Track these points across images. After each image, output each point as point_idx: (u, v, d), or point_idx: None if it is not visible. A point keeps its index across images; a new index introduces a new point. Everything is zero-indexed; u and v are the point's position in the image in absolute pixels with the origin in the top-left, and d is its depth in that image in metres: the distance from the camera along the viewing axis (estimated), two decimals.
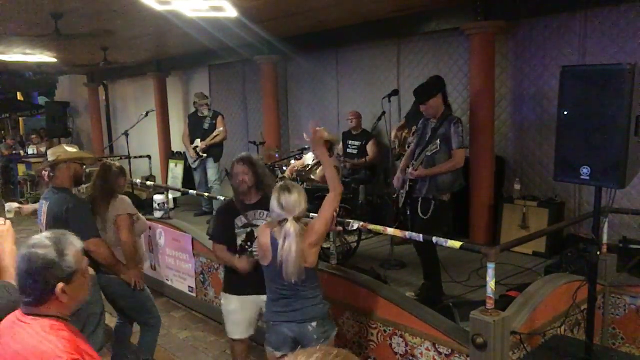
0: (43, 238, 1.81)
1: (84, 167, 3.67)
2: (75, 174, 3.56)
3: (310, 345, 2.68)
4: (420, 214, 4.29)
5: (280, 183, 2.90)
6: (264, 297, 3.09)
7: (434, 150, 4.26)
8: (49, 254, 1.77)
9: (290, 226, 2.74)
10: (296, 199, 2.77)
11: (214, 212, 6.87)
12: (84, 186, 3.92)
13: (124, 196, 3.81)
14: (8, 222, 2.40)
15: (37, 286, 1.75)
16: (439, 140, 4.23)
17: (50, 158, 3.51)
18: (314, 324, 2.87)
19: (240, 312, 3.43)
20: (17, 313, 1.82)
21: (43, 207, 3.52)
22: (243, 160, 3.36)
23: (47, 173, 3.51)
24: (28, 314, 1.78)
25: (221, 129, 7.33)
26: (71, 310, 1.87)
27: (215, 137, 7.27)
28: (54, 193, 3.50)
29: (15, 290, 1.90)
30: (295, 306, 2.88)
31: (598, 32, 5.37)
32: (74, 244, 1.85)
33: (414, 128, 5.51)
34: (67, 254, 1.80)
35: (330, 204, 2.92)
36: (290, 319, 2.88)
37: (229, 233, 3.40)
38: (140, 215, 4.06)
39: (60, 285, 1.76)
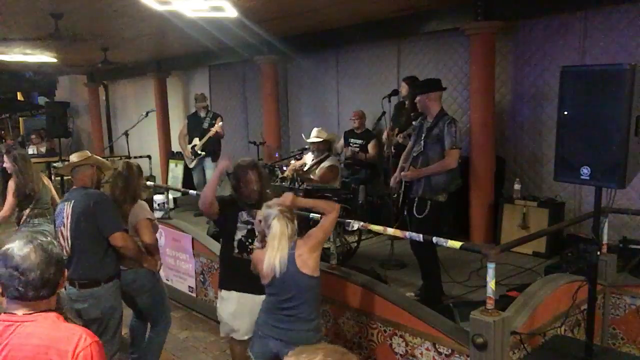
0: (31, 238, 1.77)
1: (103, 175, 3.76)
2: (97, 177, 3.65)
3: None
4: (416, 214, 4.30)
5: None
6: (258, 298, 3.10)
7: (418, 151, 4.32)
8: (55, 249, 1.78)
9: (276, 222, 2.81)
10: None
11: None
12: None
13: (143, 202, 3.76)
14: None
15: (58, 275, 1.77)
16: (422, 142, 4.28)
17: (74, 159, 3.60)
18: None
19: (240, 310, 3.40)
20: (4, 317, 1.72)
21: (65, 207, 3.46)
22: (255, 167, 3.47)
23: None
24: (26, 314, 1.72)
25: (220, 124, 7.31)
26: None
27: (211, 133, 7.24)
28: (78, 191, 3.54)
29: None
30: (287, 325, 2.85)
31: (598, 32, 5.37)
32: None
33: (396, 129, 5.71)
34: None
35: (330, 219, 3.03)
36: (278, 336, 2.85)
37: (231, 223, 3.44)
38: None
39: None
